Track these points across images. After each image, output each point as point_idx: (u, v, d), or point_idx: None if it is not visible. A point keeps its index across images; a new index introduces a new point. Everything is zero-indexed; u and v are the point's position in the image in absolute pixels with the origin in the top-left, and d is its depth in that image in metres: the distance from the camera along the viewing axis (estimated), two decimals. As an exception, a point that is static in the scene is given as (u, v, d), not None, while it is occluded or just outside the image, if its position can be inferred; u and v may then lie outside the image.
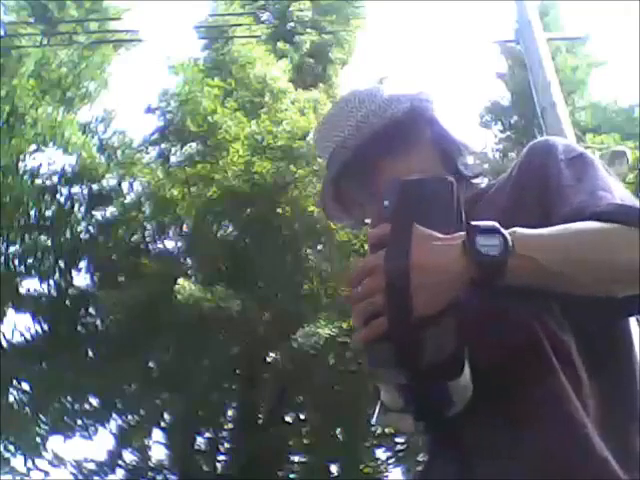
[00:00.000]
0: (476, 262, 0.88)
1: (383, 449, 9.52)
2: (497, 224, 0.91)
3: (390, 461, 9.49)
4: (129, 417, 9.64)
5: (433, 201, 0.95)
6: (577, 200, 1.02)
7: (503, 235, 0.89)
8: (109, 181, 10.26)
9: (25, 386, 9.48)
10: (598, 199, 1.01)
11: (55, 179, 10.22)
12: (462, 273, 0.89)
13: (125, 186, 10.21)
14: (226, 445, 9.92)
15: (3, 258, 9.82)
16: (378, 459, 9.57)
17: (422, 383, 0.94)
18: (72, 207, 10.13)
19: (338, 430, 9.29)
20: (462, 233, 0.91)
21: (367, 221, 1.33)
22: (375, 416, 1.07)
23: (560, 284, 0.94)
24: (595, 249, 0.95)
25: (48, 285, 9.82)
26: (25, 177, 9.99)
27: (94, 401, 9.47)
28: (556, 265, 0.92)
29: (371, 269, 0.91)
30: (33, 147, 10.07)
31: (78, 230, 10.09)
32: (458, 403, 0.97)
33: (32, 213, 9.99)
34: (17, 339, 9.62)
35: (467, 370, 0.95)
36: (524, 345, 1.01)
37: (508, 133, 12.84)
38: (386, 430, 9.06)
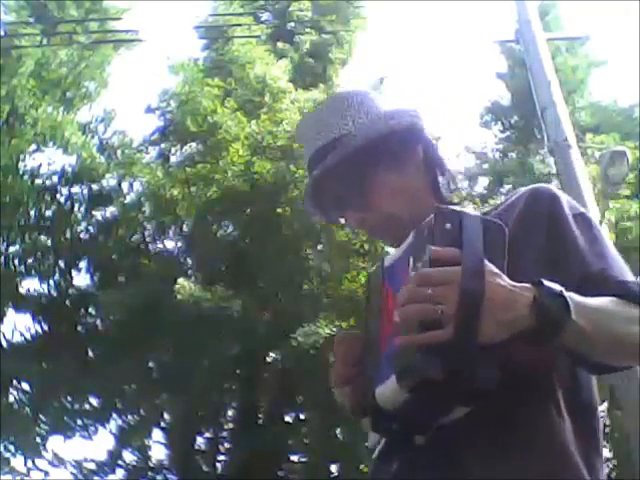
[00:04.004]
0: (541, 318, 0.95)
1: (383, 449, 9.51)
2: (564, 289, 0.97)
3: (390, 461, 9.48)
4: (129, 417, 9.64)
5: (491, 241, 0.99)
6: (597, 266, 1.10)
7: (567, 300, 0.96)
8: (109, 181, 10.27)
9: (25, 386, 9.48)
10: (617, 271, 1.10)
11: (55, 179, 10.22)
12: (525, 322, 0.95)
13: (125, 186, 10.22)
14: (226, 445, 9.92)
15: (3, 258, 9.82)
16: (378, 459, 9.56)
17: (433, 401, 0.98)
18: (72, 207, 10.13)
19: (338, 430, 9.29)
20: (528, 285, 0.97)
21: (341, 220, 1.34)
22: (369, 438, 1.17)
23: (590, 352, 1.03)
24: (628, 329, 1.03)
25: (48, 285, 9.83)
26: (25, 177, 9.99)
27: (94, 401, 9.48)
28: (596, 336, 0.99)
29: (447, 279, 0.93)
30: (33, 147, 10.08)
31: (78, 230, 10.09)
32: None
33: (32, 213, 9.99)
34: (17, 339, 9.64)
35: None
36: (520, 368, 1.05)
37: (508, 133, 12.83)
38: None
